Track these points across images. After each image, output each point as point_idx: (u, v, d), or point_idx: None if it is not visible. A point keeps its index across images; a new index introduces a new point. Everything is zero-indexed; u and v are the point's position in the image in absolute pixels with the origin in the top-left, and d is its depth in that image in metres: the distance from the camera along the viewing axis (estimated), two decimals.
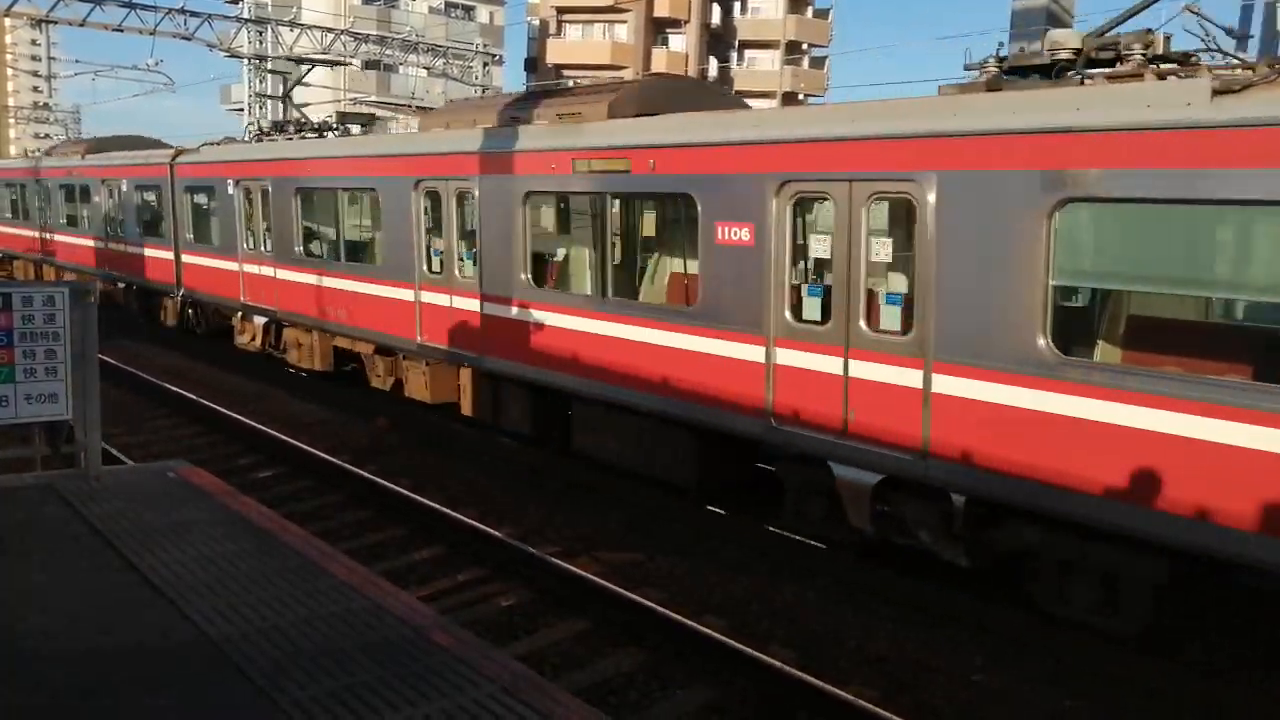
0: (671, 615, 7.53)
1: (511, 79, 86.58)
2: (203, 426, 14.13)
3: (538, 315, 11.11)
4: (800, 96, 57.85)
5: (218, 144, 19.14)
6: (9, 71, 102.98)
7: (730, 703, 6.66)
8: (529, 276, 11.24)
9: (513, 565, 8.81)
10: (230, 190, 17.20)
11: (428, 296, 12.78)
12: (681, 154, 9.32)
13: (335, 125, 17.85)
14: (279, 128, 18.60)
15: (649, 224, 11.11)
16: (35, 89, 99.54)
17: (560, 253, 11.57)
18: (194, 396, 15.26)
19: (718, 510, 10.29)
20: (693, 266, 9.71)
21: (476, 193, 11.63)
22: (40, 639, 5.03)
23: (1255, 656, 7.37)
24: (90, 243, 23.97)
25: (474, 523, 9.63)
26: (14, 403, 7.31)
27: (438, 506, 10.14)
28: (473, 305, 12.04)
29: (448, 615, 6.35)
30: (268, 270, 16.48)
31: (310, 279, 15.32)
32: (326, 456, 11.97)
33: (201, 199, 19.10)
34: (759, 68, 59.23)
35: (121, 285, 22.95)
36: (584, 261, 11.11)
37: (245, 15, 34.82)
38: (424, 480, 11.47)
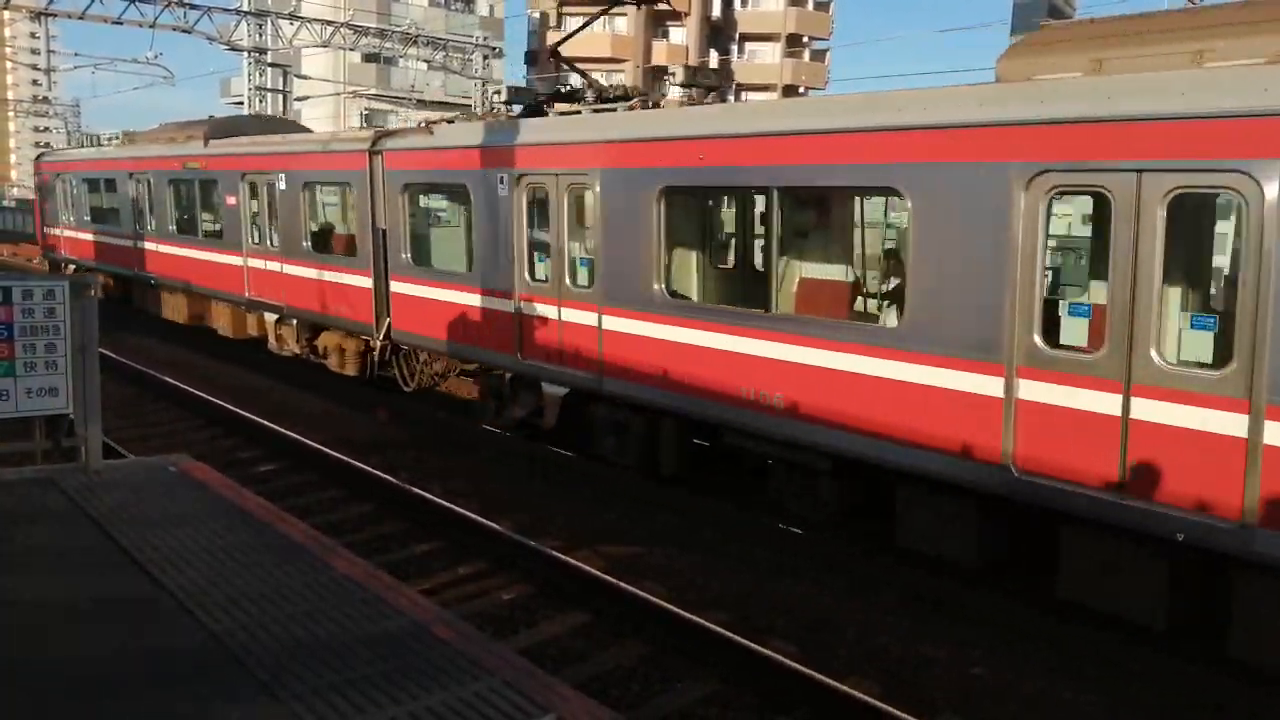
0: (672, 608, 7.54)
1: (512, 73, 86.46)
2: (203, 420, 14.13)
3: None
4: (800, 90, 57.81)
5: (450, 122, 13.52)
6: (8, 65, 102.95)
7: (731, 695, 6.67)
8: None
9: (513, 558, 8.82)
10: (502, 190, 11.51)
11: (1040, 391, 7.14)
12: None
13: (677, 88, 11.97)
14: (566, 96, 12.30)
15: None
16: (35, 82, 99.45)
17: None
18: (195, 390, 15.25)
19: (717, 503, 10.29)
20: None
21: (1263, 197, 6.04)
22: (40, 634, 5.03)
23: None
24: (220, 258, 18.00)
25: (474, 516, 9.63)
26: (14, 396, 7.32)
27: (438, 500, 10.14)
28: (1170, 416, 6.58)
29: (449, 609, 6.36)
30: (580, 316, 10.81)
31: (682, 335, 9.70)
32: (327, 450, 11.96)
33: (435, 203, 14.31)
34: (760, 60, 59.21)
35: (274, 318, 17.08)
36: None
37: (245, 8, 34.76)
38: (424, 474, 11.46)
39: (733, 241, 10.91)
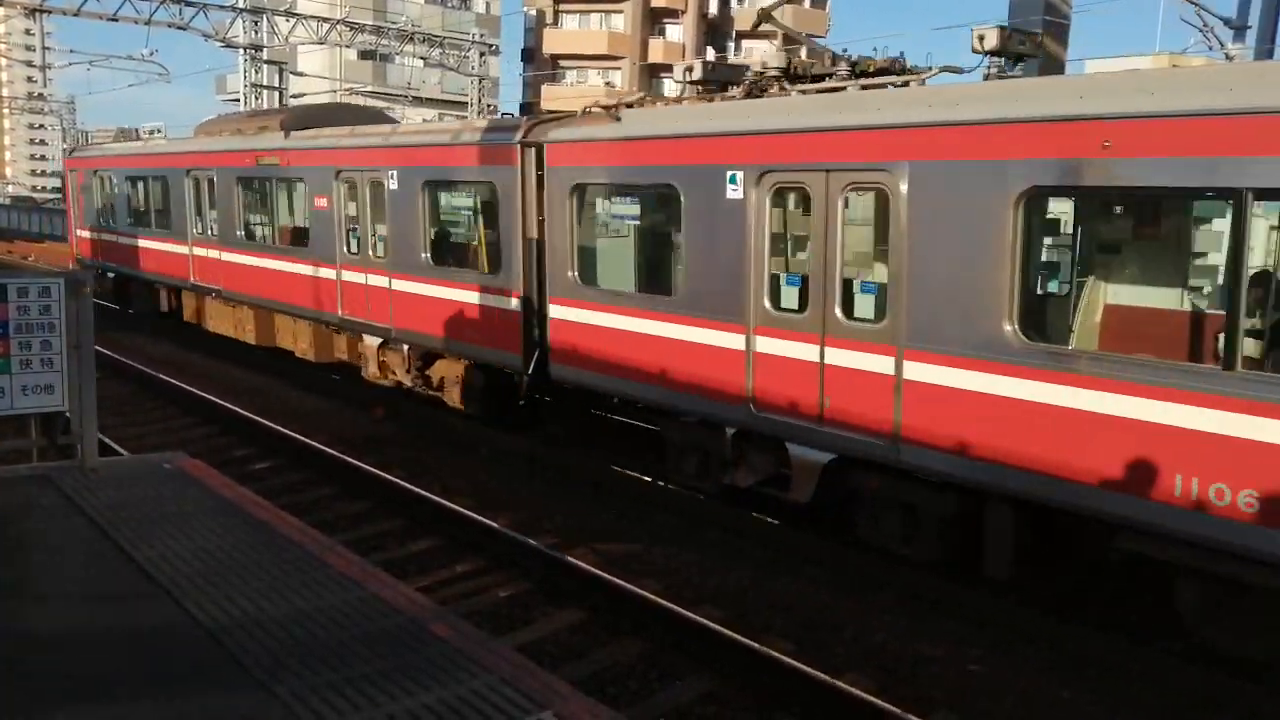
0: (669, 605, 7.53)
1: (508, 70, 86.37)
2: (199, 418, 14.10)
3: None
4: None
5: (635, 103, 10.82)
6: (3, 62, 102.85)
7: (729, 693, 6.66)
8: None
9: (510, 556, 8.81)
10: (732, 191, 8.96)
11: None
12: None
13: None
14: (793, 74, 9.69)
15: None
16: (30, 79, 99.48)
17: None
18: (190, 388, 15.22)
19: (713, 501, 10.28)
20: None
21: None
22: (35, 631, 5.01)
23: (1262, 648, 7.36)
24: (305, 270, 15.40)
25: (471, 514, 9.62)
26: (10, 394, 7.30)
27: (435, 498, 10.13)
28: None
29: (446, 606, 6.35)
30: (860, 359, 8.23)
31: (1057, 396, 6.97)
32: (324, 448, 11.94)
33: (621, 208, 11.34)
34: (756, 58, 59.28)
35: (376, 342, 14.50)
36: None
37: (240, 5, 34.71)
38: (421, 471, 11.45)
39: (1162, 267, 7.65)
